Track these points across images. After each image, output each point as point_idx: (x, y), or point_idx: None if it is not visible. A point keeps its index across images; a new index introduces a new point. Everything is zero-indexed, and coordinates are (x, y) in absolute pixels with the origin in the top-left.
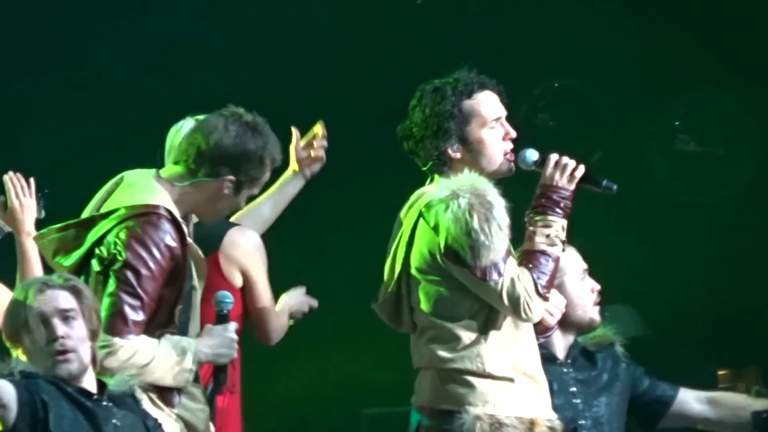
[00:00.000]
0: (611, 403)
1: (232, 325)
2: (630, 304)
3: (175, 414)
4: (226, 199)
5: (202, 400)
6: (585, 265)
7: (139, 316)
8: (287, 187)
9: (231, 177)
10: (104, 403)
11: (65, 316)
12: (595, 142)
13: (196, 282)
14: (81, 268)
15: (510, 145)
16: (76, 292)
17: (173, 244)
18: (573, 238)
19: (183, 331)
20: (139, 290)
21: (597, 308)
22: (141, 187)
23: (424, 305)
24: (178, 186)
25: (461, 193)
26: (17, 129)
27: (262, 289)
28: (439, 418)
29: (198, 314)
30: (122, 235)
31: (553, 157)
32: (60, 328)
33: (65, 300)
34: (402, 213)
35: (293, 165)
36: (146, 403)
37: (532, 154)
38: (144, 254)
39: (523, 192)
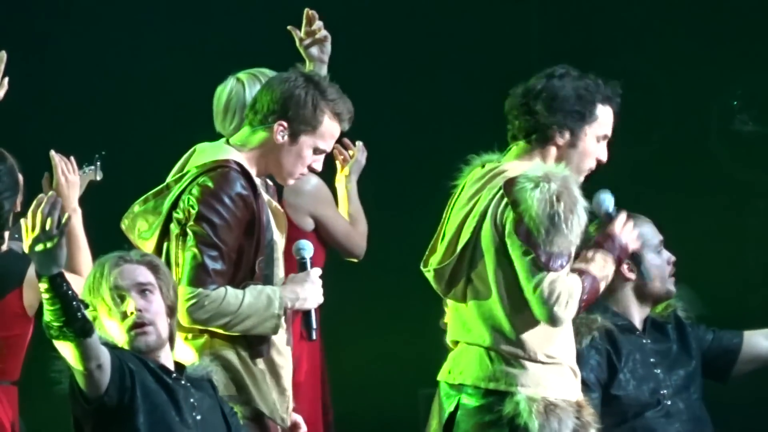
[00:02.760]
0: (688, 369)
1: (315, 271)
2: (686, 283)
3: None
4: (285, 148)
5: (288, 356)
6: (661, 237)
7: (219, 266)
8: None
9: (282, 122)
10: (183, 382)
11: (142, 290)
12: (654, 122)
13: (276, 235)
14: (163, 237)
15: (595, 165)
16: (153, 267)
17: (245, 193)
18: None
19: (266, 285)
20: (216, 240)
21: (673, 279)
22: (210, 151)
23: (489, 281)
24: (243, 146)
25: (554, 178)
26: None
27: (334, 221)
28: (486, 398)
29: (281, 268)
30: (194, 191)
31: (624, 215)
32: (138, 301)
33: (142, 274)
34: (470, 180)
35: (307, 61)
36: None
37: (610, 202)
38: (216, 205)
39: None
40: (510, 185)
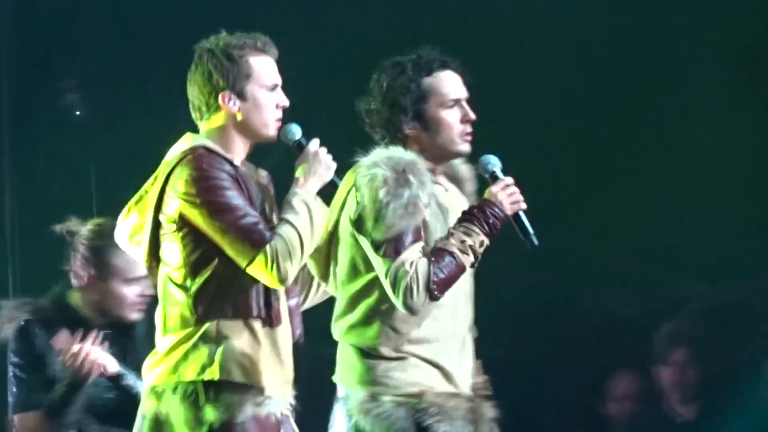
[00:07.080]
0: None
1: (313, 143)
2: None
3: None
4: (246, 110)
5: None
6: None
7: (253, 218)
8: None
9: (222, 93)
10: None
11: None
12: None
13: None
14: (154, 242)
15: (469, 128)
16: None
17: (220, 165)
18: None
19: None
20: (232, 203)
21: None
22: (176, 147)
23: (339, 270)
24: (209, 138)
25: (382, 164)
26: None
27: None
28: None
29: None
30: (180, 187)
31: (509, 179)
32: None
33: None
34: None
35: None
36: None
37: (495, 163)
38: (208, 182)
39: None
40: (353, 175)
